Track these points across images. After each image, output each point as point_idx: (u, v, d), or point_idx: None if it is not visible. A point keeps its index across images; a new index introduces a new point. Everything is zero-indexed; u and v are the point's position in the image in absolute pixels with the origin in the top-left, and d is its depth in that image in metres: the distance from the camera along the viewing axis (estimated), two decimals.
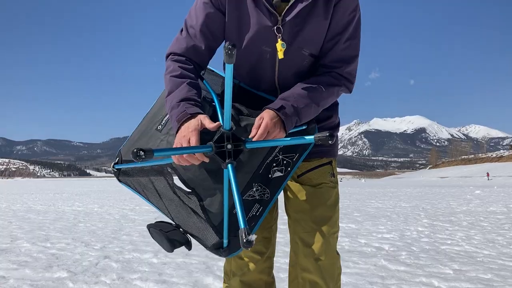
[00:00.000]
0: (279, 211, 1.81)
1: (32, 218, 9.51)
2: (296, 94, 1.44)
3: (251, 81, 1.59)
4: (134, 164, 1.61)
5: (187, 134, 1.33)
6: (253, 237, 1.11)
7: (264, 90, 1.59)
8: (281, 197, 1.69)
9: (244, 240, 1.09)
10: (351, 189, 29.48)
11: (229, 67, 1.18)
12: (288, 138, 1.36)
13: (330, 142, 1.22)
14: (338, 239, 6.00)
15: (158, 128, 1.61)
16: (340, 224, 6.76)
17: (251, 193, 1.51)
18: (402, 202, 14.75)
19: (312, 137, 1.26)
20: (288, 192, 1.63)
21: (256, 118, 1.38)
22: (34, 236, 6.61)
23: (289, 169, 1.54)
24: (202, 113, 1.38)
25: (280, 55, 1.45)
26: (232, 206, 1.43)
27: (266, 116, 1.37)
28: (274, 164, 1.52)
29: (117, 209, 12.16)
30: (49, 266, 4.33)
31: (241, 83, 1.62)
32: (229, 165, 1.29)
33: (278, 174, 1.52)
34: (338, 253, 1.59)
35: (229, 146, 1.30)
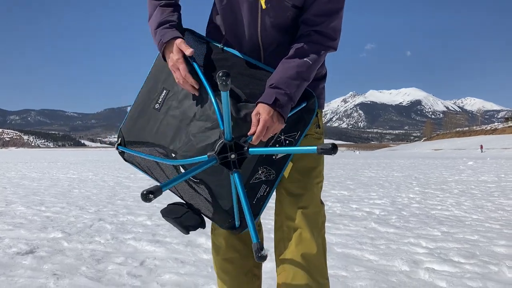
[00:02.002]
0: None
1: (27, 185, 9.54)
2: (286, 77, 1.41)
3: (235, 37, 1.56)
4: (138, 153, 1.61)
5: (174, 63, 1.44)
6: (266, 251, 1.18)
7: (247, 48, 1.56)
8: None
9: (258, 255, 1.16)
10: (345, 160, 29.69)
11: (225, 94, 1.22)
12: (293, 148, 1.39)
13: (333, 153, 1.19)
14: (330, 204, 6.12)
15: (156, 107, 1.60)
16: (332, 191, 6.85)
17: (257, 176, 1.52)
18: (395, 172, 14.91)
19: (315, 147, 1.22)
20: None
21: (252, 114, 1.37)
22: (29, 200, 6.65)
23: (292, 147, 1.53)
24: (177, 37, 1.44)
25: (263, 4, 1.43)
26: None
27: (262, 112, 1.36)
28: (277, 145, 1.51)
29: (111, 176, 12.21)
30: (44, 228, 4.37)
31: (225, 47, 1.56)
32: (235, 174, 1.32)
33: (281, 154, 1.52)
34: (322, 202, 1.62)
35: (232, 156, 1.31)
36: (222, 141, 1.32)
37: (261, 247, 1.18)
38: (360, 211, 5.62)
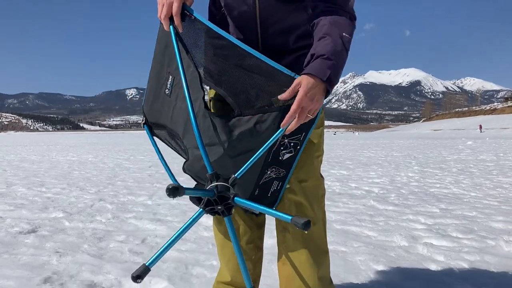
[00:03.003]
0: None
1: (27, 167, 9.56)
2: (338, 50, 1.27)
3: (231, 10, 1.51)
4: (156, 148, 1.64)
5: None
6: None
7: (243, 23, 1.50)
8: None
9: None
10: (344, 141, 29.73)
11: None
12: (270, 210, 1.24)
13: (304, 229, 1.12)
14: (329, 183, 6.14)
15: (166, 92, 1.59)
16: (331, 171, 6.86)
17: (266, 176, 1.51)
18: (394, 152, 14.94)
19: (289, 217, 1.15)
20: None
21: (291, 87, 1.25)
22: (29, 182, 6.67)
23: (298, 147, 1.47)
24: None
25: None
26: (261, 175, 1.48)
27: (303, 86, 1.22)
28: (282, 148, 1.47)
29: (111, 158, 12.23)
30: (45, 208, 4.40)
31: (224, 33, 1.40)
32: (225, 219, 1.35)
33: (288, 155, 1.49)
34: (322, 176, 1.63)
35: (219, 207, 1.31)
36: (212, 189, 1.29)
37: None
38: (359, 189, 5.65)
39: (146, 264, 1.25)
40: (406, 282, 2.22)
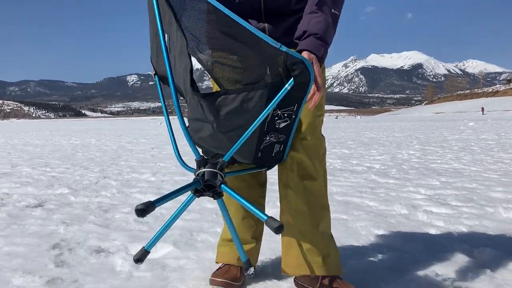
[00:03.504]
0: None
1: (30, 150, 9.62)
2: (330, 30, 1.39)
3: None
4: (164, 109, 1.67)
5: None
6: (252, 270, 1.42)
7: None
8: None
9: (245, 273, 1.43)
10: (346, 124, 29.73)
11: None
12: (250, 205, 1.30)
13: (276, 232, 1.19)
14: (330, 160, 6.19)
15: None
16: (333, 150, 6.89)
17: (266, 141, 1.52)
18: (395, 133, 14.96)
19: (265, 217, 1.23)
20: None
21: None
22: (34, 163, 6.74)
23: (293, 117, 1.47)
24: None
25: None
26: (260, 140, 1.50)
27: (315, 61, 1.35)
28: (276, 118, 1.45)
29: (114, 142, 12.30)
30: (50, 185, 4.46)
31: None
32: (217, 201, 1.40)
33: (284, 124, 1.48)
34: (323, 136, 1.66)
35: (208, 193, 1.35)
36: (197, 180, 1.34)
37: (247, 267, 1.40)
38: (360, 166, 5.69)
39: (145, 248, 1.38)
40: (406, 244, 2.27)
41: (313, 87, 1.36)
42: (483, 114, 65.53)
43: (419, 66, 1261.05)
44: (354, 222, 2.76)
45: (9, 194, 4.00)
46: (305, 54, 1.34)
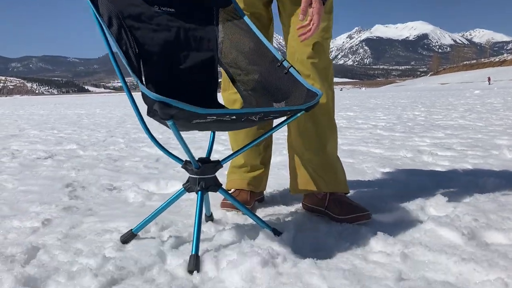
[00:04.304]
0: None
1: (37, 118, 9.69)
2: None
3: None
4: None
5: None
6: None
7: None
8: None
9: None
10: (350, 94, 29.59)
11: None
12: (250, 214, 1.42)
13: None
14: (336, 121, 6.20)
15: None
16: (338, 113, 6.87)
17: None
18: (400, 100, 14.90)
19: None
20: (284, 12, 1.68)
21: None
22: (41, 127, 6.80)
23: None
24: None
25: None
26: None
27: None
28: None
29: (119, 111, 12.33)
30: (59, 143, 4.52)
31: None
32: (197, 196, 1.34)
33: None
34: (330, 59, 1.68)
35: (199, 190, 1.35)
36: (188, 184, 1.37)
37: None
38: (365, 124, 5.71)
39: (133, 231, 1.42)
40: (411, 177, 2.32)
41: (309, 18, 1.41)
42: (489, 84, 64.80)
43: (424, 36, 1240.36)
44: (360, 164, 2.80)
45: (19, 150, 4.06)
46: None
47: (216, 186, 1.40)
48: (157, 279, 1.14)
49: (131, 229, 1.43)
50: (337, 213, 1.59)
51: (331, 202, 1.63)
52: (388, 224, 1.55)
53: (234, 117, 1.15)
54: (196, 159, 1.36)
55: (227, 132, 1.55)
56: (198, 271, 1.16)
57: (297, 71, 1.42)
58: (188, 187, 1.39)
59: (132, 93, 1.40)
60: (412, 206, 1.72)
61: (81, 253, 1.33)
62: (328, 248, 1.32)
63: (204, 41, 1.57)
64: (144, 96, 1.09)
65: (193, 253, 1.20)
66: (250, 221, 1.62)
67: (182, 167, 1.41)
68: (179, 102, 1.02)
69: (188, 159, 1.38)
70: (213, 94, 1.56)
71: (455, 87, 60.49)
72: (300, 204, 1.81)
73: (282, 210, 1.81)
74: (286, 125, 1.71)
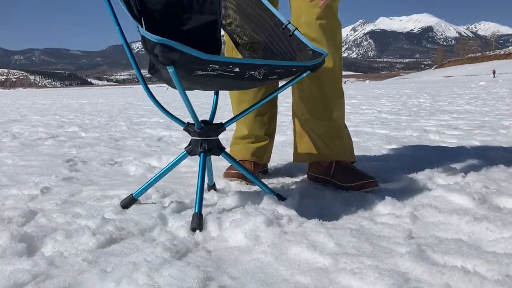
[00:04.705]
0: None
1: (39, 107, 9.66)
2: None
3: None
4: None
5: None
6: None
7: None
8: None
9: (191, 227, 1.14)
10: (354, 86, 29.43)
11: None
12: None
13: None
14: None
15: None
16: None
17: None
18: (405, 90, 14.80)
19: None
20: None
21: None
22: (43, 113, 6.77)
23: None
24: None
25: None
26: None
27: None
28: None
29: (122, 100, 12.30)
30: (60, 126, 4.49)
31: None
32: (199, 159, 1.31)
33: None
34: (339, 21, 1.62)
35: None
36: (190, 147, 1.34)
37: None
38: (370, 110, 5.65)
39: (133, 195, 1.38)
40: (418, 151, 2.27)
41: None
42: (494, 76, 64.33)
43: (429, 29, 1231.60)
44: (365, 142, 2.76)
45: (20, 132, 4.03)
46: None
47: (219, 149, 1.35)
48: (158, 239, 1.10)
49: (132, 194, 1.39)
50: (343, 180, 1.55)
51: (336, 171, 1.59)
52: (396, 191, 1.51)
53: (237, 69, 1.10)
54: None
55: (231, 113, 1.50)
56: (200, 230, 1.13)
57: (302, 34, 1.37)
58: (190, 150, 1.35)
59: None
60: (420, 176, 1.68)
61: (80, 216, 1.30)
62: (334, 212, 1.28)
63: (206, 3, 1.53)
64: (145, 41, 1.04)
65: (196, 211, 1.17)
66: (254, 188, 1.58)
67: (184, 129, 1.37)
68: (181, 45, 0.98)
69: (190, 121, 1.34)
70: None
71: (460, 79, 60.16)
72: (305, 175, 1.77)
73: (286, 181, 1.77)
74: (292, 94, 1.68)
